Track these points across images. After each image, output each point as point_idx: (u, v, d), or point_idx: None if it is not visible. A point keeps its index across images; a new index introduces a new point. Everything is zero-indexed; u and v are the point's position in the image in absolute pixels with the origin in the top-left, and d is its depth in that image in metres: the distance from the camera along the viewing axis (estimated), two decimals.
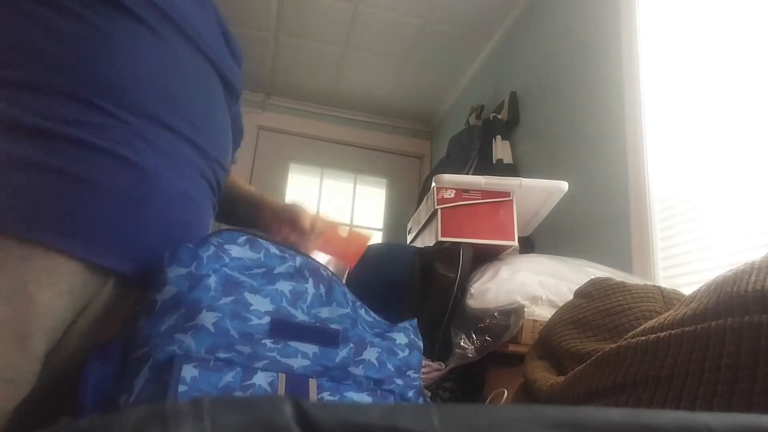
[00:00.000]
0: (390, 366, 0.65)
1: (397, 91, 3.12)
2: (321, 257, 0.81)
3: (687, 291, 0.54)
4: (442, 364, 0.87)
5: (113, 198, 0.63)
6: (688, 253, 1.24)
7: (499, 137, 2.18)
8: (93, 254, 0.61)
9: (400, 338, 0.69)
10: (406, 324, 0.72)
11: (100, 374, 0.55)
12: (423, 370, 0.82)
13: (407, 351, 0.68)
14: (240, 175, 1.02)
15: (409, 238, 1.27)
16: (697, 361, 0.39)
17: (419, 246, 1.08)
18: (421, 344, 0.72)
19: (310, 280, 0.65)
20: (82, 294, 0.62)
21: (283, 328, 0.60)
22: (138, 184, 0.65)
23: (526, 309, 0.86)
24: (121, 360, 0.57)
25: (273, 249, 0.65)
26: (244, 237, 0.65)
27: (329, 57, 2.87)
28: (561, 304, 0.75)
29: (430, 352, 0.87)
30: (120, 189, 0.64)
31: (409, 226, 1.29)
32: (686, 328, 0.41)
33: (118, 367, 0.56)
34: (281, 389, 0.57)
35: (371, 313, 0.71)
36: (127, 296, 0.66)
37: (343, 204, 3.20)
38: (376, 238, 3.16)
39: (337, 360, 0.61)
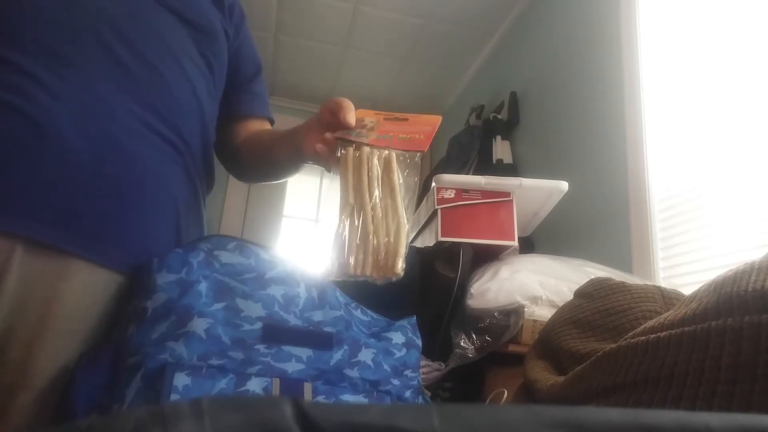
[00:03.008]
0: (386, 366, 0.65)
1: (397, 91, 3.12)
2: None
3: (687, 291, 0.54)
4: (442, 364, 0.87)
5: None
6: (688, 253, 1.24)
7: (499, 137, 2.18)
8: None
9: (397, 337, 0.68)
10: (404, 322, 0.72)
11: (91, 383, 0.54)
12: (423, 370, 0.82)
13: (404, 350, 0.68)
14: None
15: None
16: (697, 361, 0.39)
17: (419, 246, 1.08)
18: (419, 342, 0.71)
19: (302, 284, 0.64)
20: None
21: (276, 333, 0.59)
22: (28, 132, 0.58)
23: (526, 309, 0.86)
24: (112, 368, 0.56)
25: (263, 254, 0.65)
26: (234, 243, 0.64)
27: (329, 57, 2.87)
28: (561, 304, 0.75)
29: (430, 352, 0.87)
30: (5, 139, 0.57)
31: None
32: (686, 328, 0.41)
33: (109, 375, 0.55)
34: (275, 394, 0.56)
35: (368, 312, 0.71)
36: (61, 270, 0.59)
37: None
38: None
39: (332, 363, 0.61)
